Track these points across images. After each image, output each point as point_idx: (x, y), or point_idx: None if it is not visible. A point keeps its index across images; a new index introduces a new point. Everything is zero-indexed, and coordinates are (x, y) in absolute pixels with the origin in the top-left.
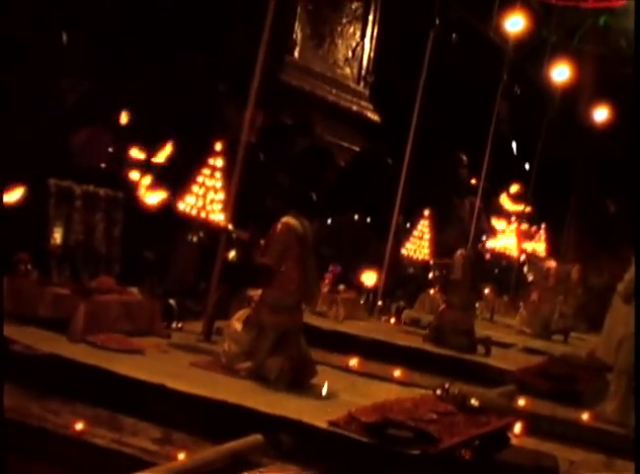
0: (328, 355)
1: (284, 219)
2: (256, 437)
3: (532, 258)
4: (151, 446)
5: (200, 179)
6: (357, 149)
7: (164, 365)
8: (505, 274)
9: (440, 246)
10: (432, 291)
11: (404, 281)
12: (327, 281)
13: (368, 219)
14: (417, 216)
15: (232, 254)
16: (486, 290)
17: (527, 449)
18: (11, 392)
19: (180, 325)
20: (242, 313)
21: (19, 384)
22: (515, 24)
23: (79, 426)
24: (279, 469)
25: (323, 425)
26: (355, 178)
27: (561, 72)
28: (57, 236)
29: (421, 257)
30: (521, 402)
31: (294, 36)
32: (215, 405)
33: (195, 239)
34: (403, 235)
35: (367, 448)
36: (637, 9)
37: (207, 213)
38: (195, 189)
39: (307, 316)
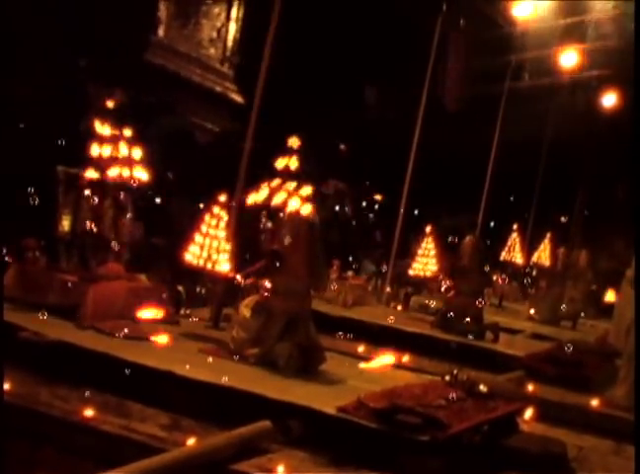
0: (336, 341)
1: (296, 209)
2: (265, 424)
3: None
4: (160, 433)
5: (204, 229)
6: (218, 130)
7: (172, 352)
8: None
9: None
10: (440, 277)
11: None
12: (335, 268)
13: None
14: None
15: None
16: (494, 276)
17: (536, 435)
18: (19, 378)
19: (188, 311)
20: (251, 299)
21: (27, 370)
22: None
23: (87, 412)
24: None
25: (332, 411)
26: (215, 158)
27: (570, 58)
28: (66, 223)
29: (428, 274)
30: (530, 388)
31: (159, 14)
32: (224, 391)
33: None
34: None
35: (376, 434)
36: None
37: (214, 264)
38: (199, 239)
39: (316, 302)
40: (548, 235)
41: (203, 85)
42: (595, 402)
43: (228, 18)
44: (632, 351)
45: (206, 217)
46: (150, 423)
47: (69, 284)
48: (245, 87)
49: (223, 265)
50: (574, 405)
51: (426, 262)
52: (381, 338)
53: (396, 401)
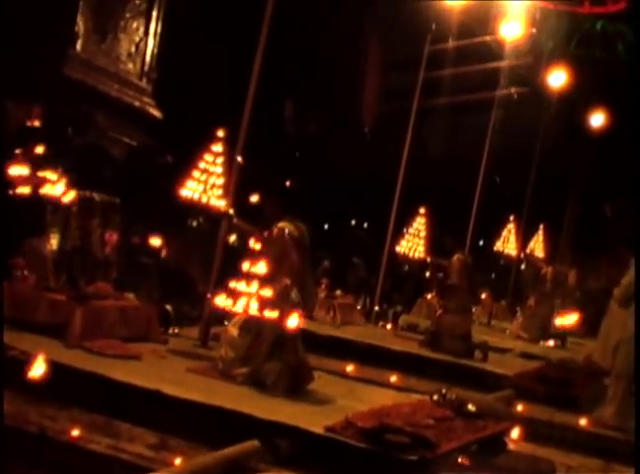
0: (325, 361)
1: (281, 224)
2: (253, 443)
3: (531, 257)
4: (147, 452)
5: (201, 165)
6: (135, 144)
7: (161, 371)
8: (502, 275)
9: None
10: (429, 296)
11: (401, 285)
12: (324, 287)
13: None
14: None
15: (233, 238)
16: (483, 295)
17: (525, 454)
18: (8, 398)
19: (177, 330)
20: (239, 318)
21: (15, 390)
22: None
23: (76, 431)
24: None
25: (320, 430)
26: (131, 172)
27: (558, 77)
28: (54, 242)
29: (417, 255)
30: (519, 407)
31: (77, 28)
32: (212, 411)
33: (194, 224)
34: None
35: (365, 454)
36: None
37: (209, 199)
38: (196, 174)
39: (304, 321)
40: (541, 226)
41: (122, 100)
42: (583, 421)
43: (147, 33)
44: (620, 370)
45: (204, 154)
46: (138, 442)
47: (57, 303)
48: (162, 101)
49: (218, 200)
50: (562, 424)
51: (416, 242)
52: (370, 357)
53: (384, 420)
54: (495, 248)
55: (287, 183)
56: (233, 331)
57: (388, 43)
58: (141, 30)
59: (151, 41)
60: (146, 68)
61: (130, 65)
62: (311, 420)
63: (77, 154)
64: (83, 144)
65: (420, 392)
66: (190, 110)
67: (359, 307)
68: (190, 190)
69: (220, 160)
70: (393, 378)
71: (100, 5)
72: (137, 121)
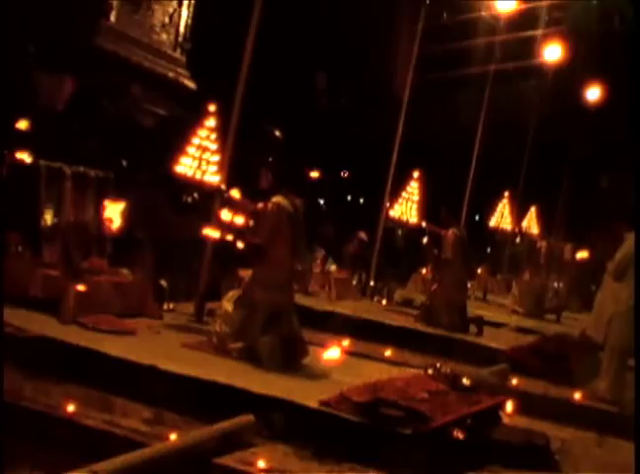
0: (319, 335)
1: (275, 199)
2: (247, 417)
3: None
4: (142, 427)
5: (195, 140)
6: (162, 113)
7: (155, 346)
8: (497, 250)
9: None
10: (424, 271)
11: (396, 261)
12: (319, 261)
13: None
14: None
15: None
16: (479, 270)
17: (519, 428)
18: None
19: (171, 306)
20: (233, 294)
21: (10, 366)
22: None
23: (70, 407)
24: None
25: (314, 404)
26: (163, 143)
27: (553, 51)
28: (48, 217)
29: (411, 219)
30: (514, 381)
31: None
32: (207, 385)
33: (189, 200)
34: None
35: (359, 428)
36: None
37: (203, 174)
38: (191, 150)
39: (299, 296)
40: (533, 208)
41: (155, 71)
42: (577, 394)
43: (180, 3)
44: (614, 343)
45: (198, 130)
46: (133, 417)
47: (51, 279)
48: (196, 72)
49: (213, 176)
50: (557, 398)
51: (409, 206)
52: (365, 332)
53: (379, 394)
54: (490, 223)
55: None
56: (228, 306)
57: (420, 13)
58: (175, 0)
59: (185, 12)
60: (180, 39)
61: (164, 36)
62: (306, 394)
63: (111, 125)
64: (117, 115)
65: (415, 366)
66: (223, 80)
67: (354, 282)
68: (184, 166)
69: (214, 136)
70: (388, 353)
71: None
72: (171, 92)
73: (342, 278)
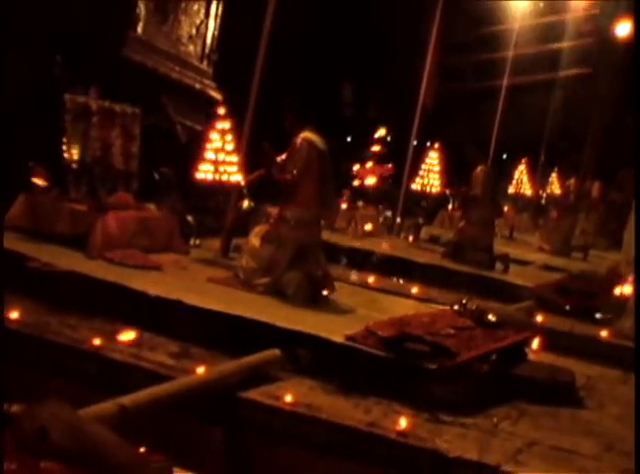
0: (346, 271)
1: (304, 135)
2: (273, 352)
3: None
4: (169, 361)
5: (210, 145)
6: (199, 128)
7: (182, 281)
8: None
9: None
10: (450, 208)
11: (422, 197)
12: (346, 198)
13: None
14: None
15: (245, 204)
16: (505, 207)
17: (544, 364)
18: (29, 308)
19: (198, 241)
20: (260, 229)
21: (37, 300)
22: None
23: (97, 341)
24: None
25: (340, 339)
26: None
27: None
28: (74, 152)
29: (434, 190)
30: (539, 318)
31: (138, 10)
32: (233, 320)
33: (212, 204)
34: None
35: (385, 362)
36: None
37: (222, 176)
38: (208, 155)
39: (326, 233)
40: (556, 169)
41: (182, 82)
42: (603, 332)
43: (207, 14)
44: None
45: (211, 134)
46: (160, 351)
47: (78, 214)
48: (223, 83)
49: (233, 176)
50: (583, 335)
51: (431, 177)
52: (391, 268)
53: (405, 329)
54: (509, 191)
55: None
56: (255, 241)
57: (447, 24)
58: (202, 11)
59: (212, 23)
60: (207, 50)
61: (191, 47)
62: (332, 329)
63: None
64: (150, 125)
65: (441, 303)
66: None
67: (380, 219)
68: (203, 172)
69: (229, 137)
70: (414, 289)
71: None
72: (198, 104)
73: (368, 215)
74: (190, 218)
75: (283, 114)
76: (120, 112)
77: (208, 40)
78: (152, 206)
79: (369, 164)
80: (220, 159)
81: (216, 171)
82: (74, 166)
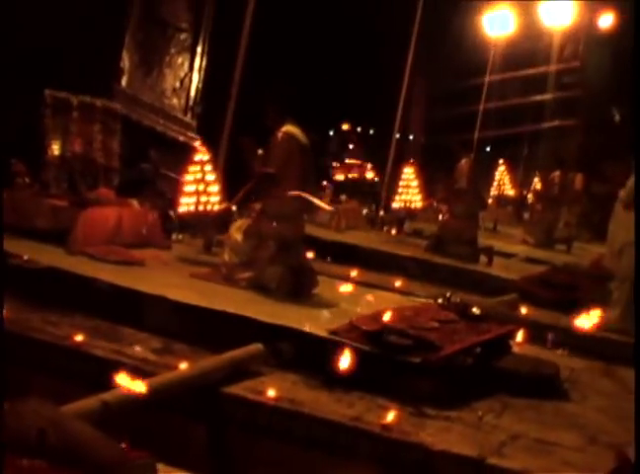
0: (329, 266)
1: (285, 128)
2: (256, 347)
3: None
4: (151, 356)
5: (189, 177)
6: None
7: (164, 277)
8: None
9: None
10: (435, 201)
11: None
12: (328, 192)
13: None
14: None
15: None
16: (489, 200)
17: (528, 357)
18: (11, 305)
19: (180, 237)
20: (242, 223)
21: (18, 297)
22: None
23: (79, 337)
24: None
25: (323, 333)
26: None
27: None
28: (55, 147)
29: (416, 205)
30: (523, 310)
31: (122, 64)
32: (215, 315)
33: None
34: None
35: (368, 356)
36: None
37: (206, 205)
38: (188, 189)
39: (308, 227)
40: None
41: (167, 134)
42: (587, 324)
43: (191, 68)
44: (625, 273)
45: (190, 167)
46: (141, 346)
47: (59, 209)
48: (207, 136)
49: (218, 206)
50: (567, 327)
51: (408, 193)
52: (374, 262)
53: (388, 323)
54: (491, 193)
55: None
56: (237, 236)
57: (431, 77)
58: (186, 65)
59: (196, 76)
60: (191, 103)
61: (175, 100)
62: (315, 323)
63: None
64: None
65: (424, 296)
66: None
67: (364, 212)
68: (185, 205)
69: (209, 167)
70: (398, 283)
71: (146, 40)
72: (182, 156)
73: (351, 209)
74: (172, 213)
75: (264, 108)
76: (100, 107)
77: (192, 93)
78: (134, 202)
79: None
80: (201, 190)
81: (198, 202)
82: (55, 161)
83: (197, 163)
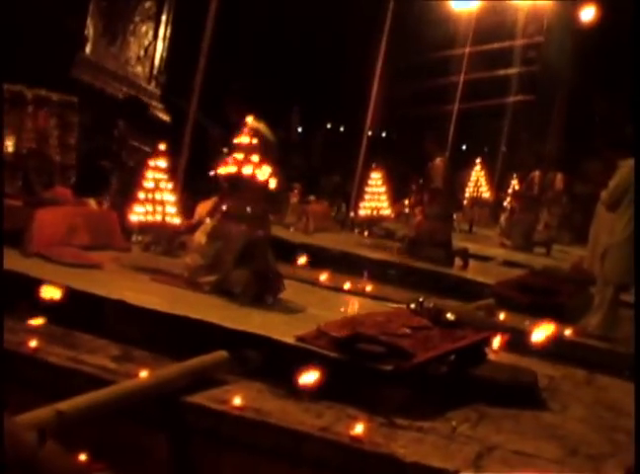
0: (297, 269)
1: (252, 124)
2: (220, 354)
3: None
4: (110, 364)
5: (146, 184)
6: (147, 149)
7: (124, 280)
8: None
9: None
10: (407, 201)
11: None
12: (296, 192)
13: None
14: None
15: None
16: (465, 200)
17: (505, 364)
18: None
19: (140, 238)
20: (207, 225)
21: None
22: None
23: (34, 343)
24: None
25: (290, 340)
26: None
27: None
28: (8, 144)
29: (384, 212)
30: (500, 316)
31: (86, 32)
32: (178, 321)
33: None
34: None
35: (337, 364)
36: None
37: (163, 217)
38: (142, 195)
39: (275, 228)
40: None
41: (134, 103)
42: (568, 331)
43: (156, 36)
44: (608, 277)
45: (147, 173)
46: (100, 354)
47: (13, 210)
48: (171, 105)
49: (173, 218)
50: (545, 334)
51: (376, 199)
52: (344, 265)
53: (358, 329)
54: (466, 195)
55: None
56: (201, 237)
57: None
58: (150, 33)
59: (160, 45)
60: (155, 71)
61: (139, 68)
62: (281, 329)
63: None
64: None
65: (396, 301)
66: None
67: (333, 214)
68: (138, 214)
69: (165, 176)
70: (369, 287)
71: (110, 8)
72: (146, 125)
73: (320, 210)
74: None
75: (228, 101)
76: (56, 101)
77: (157, 62)
78: (91, 201)
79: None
80: (158, 199)
81: (154, 211)
82: (8, 159)
83: (156, 169)
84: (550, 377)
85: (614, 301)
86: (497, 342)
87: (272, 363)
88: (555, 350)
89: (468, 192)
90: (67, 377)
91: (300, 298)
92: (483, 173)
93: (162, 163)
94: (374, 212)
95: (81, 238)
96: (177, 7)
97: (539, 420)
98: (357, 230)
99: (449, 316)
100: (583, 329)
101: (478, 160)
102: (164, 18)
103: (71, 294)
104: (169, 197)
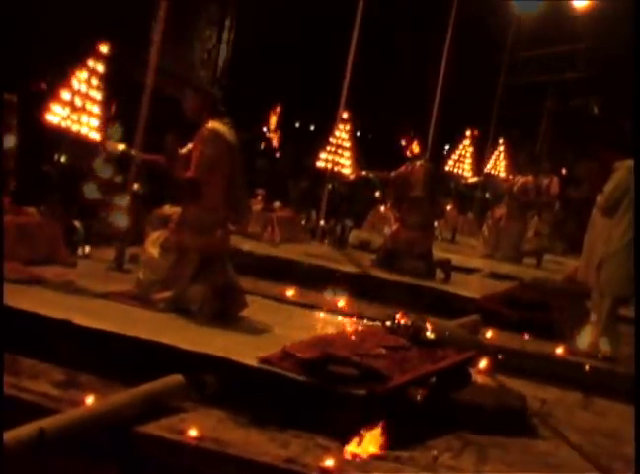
0: (260, 284)
1: (211, 125)
2: (176, 379)
3: (491, 178)
4: (54, 391)
5: (74, 85)
6: None
7: (68, 298)
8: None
9: None
10: (383, 209)
11: (351, 196)
12: (260, 198)
13: None
14: None
15: (136, 186)
16: (448, 207)
17: (492, 388)
18: None
19: (87, 251)
20: (158, 235)
21: None
22: None
23: None
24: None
25: (253, 363)
26: None
27: None
28: None
29: (344, 170)
30: (487, 334)
31: (152, 35)
32: (128, 342)
33: (63, 160)
34: None
35: (305, 388)
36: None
37: (80, 127)
38: (66, 96)
39: (236, 239)
40: (501, 142)
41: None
42: (560, 349)
43: (220, 40)
44: (605, 289)
45: (78, 72)
46: (43, 380)
47: None
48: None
49: (92, 132)
50: (536, 353)
51: (339, 152)
52: (313, 279)
53: (328, 350)
54: (447, 168)
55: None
56: (153, 250)
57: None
58: (214, 37)
59: (224, 49)
60: (218, 75)
61: (203, 72)
62: (243, 351)
63: None
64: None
65: (371, 318)
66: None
67: (302, 222)
68: (56, 115)
69: (95, 82)
70: (340, 303)
71: (175, 13)
72: None
73: (287, 218)
74: (77, 224)
75: (186, 98)
76: None
77: (220, 65)
78: (32, 211)
79: None
80: (79, 105)
81: (70, 118)
82: None
83: (88, 71)
84: (542, 401)
85: (612, 316)
86: (482, 362)
87: (232, 389)
88: (547, 370)
89: (449, 165)
90: (7, 406)
91: (264, 316)
92: (470, 147)
93: (99, 67)
94: (332, 165)
95: (20, 251)
96: (240, 12)
97: (530, 448)
98: (327, 240)
99: (429, 334)
100: (577, 347)
101: (468, 133)
102: (227, 23)
103: (10, 314)
104: (94, 108)
